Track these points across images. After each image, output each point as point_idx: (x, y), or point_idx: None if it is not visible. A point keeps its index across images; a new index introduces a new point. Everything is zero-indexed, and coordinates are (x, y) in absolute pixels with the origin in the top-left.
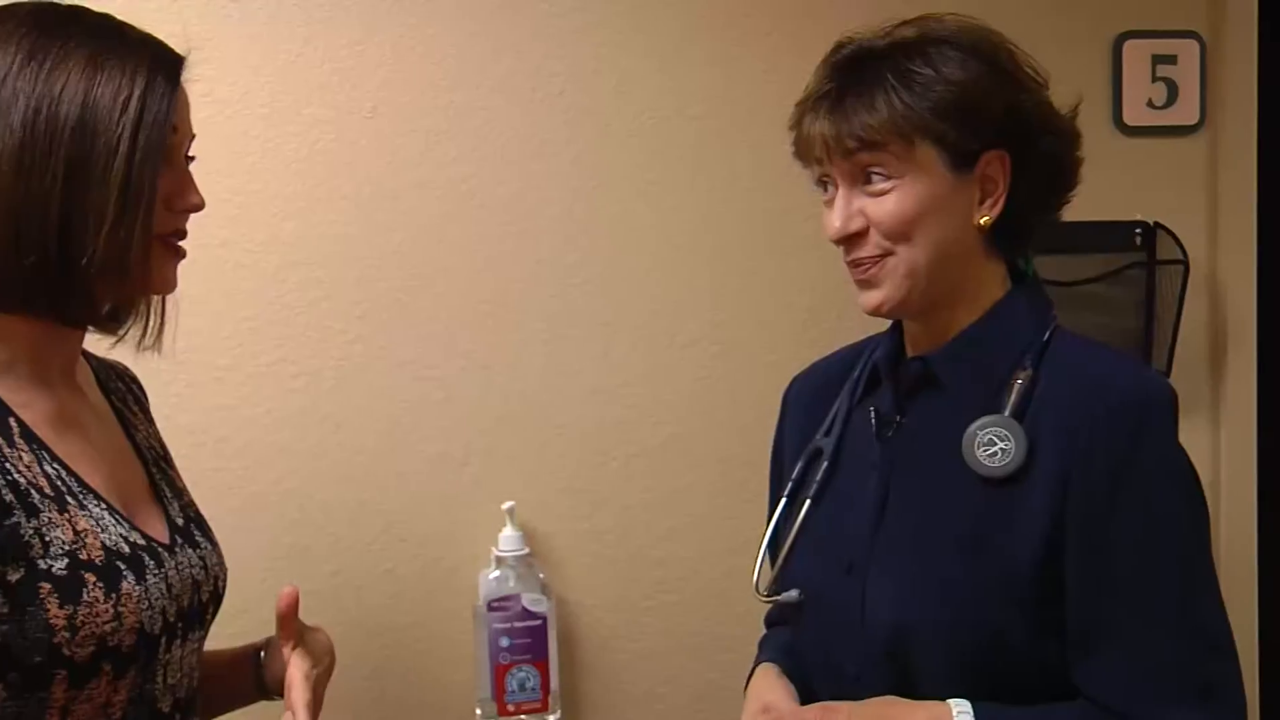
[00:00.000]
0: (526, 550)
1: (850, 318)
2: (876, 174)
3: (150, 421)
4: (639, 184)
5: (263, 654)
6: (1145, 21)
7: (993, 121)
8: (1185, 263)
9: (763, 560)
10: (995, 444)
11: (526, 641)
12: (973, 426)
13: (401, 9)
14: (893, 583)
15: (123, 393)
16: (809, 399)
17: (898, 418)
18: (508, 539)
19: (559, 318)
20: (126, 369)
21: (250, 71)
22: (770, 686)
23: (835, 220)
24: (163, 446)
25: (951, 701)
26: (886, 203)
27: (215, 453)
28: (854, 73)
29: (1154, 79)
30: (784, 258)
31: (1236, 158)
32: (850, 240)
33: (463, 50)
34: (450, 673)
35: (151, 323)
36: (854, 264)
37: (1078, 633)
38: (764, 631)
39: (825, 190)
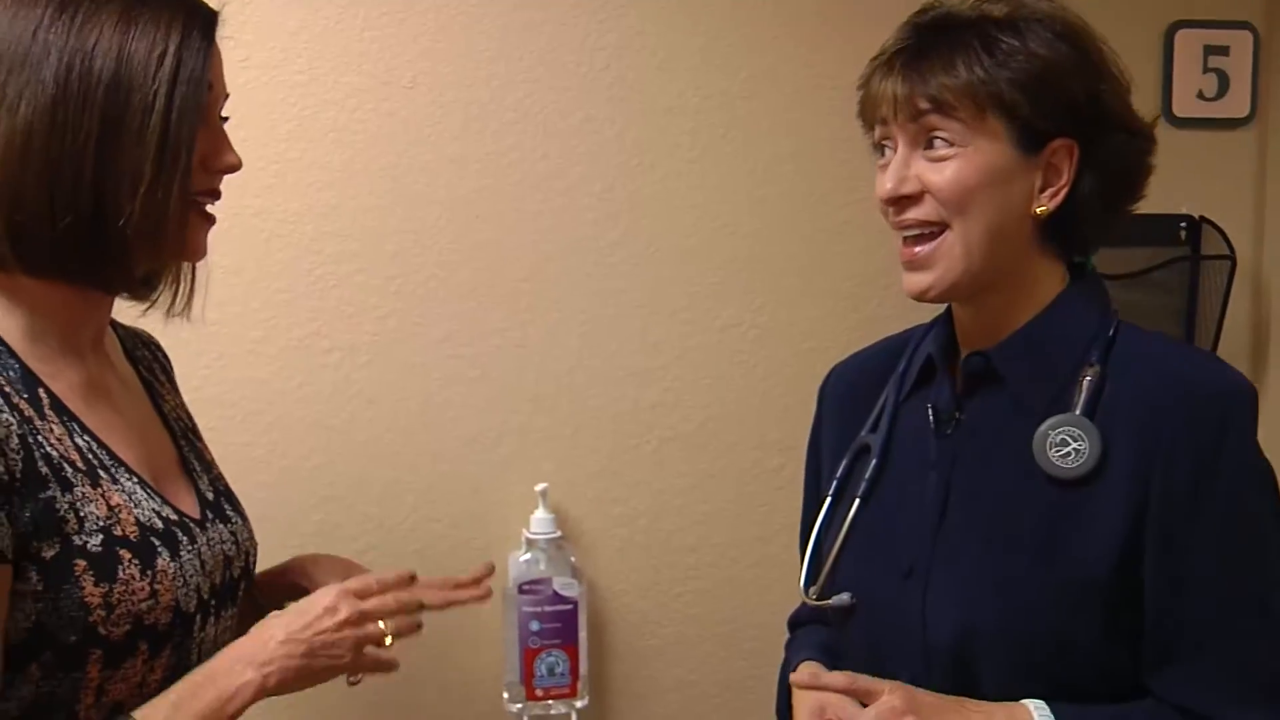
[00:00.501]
0: (558, 533)
1: (890, 304)
2: (940, 139)
3: (176, 391)
4: (680, 163)
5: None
6: (1198, 11)
7: (1069, 106)
8: (1232, 258)
9: (809, 562)
10: (1068, 444)
11: (557, 626)
12: (1044, 426)
13: None
14: (958, 586)
15: (149, 362)
16: (848, 392)
17: (956, 414)
18: (539, 521)
19: (597, 297)
20: (152, 337)
21: (288, 36)
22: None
23: (888, 180)
24: (190, 418)
25: (1027, 702)
26: (946, 169)
27: (245, 426)
28: (937, 33)
29: (1205, 70)
30: (826, 242)
31: None
32: (900, 203)
33: (506, 21)
34: (478, 655)
35: (181, 289)
36: (905, 236)
37: (1156, 634)
38: (788, 629)
39: (882, 154)
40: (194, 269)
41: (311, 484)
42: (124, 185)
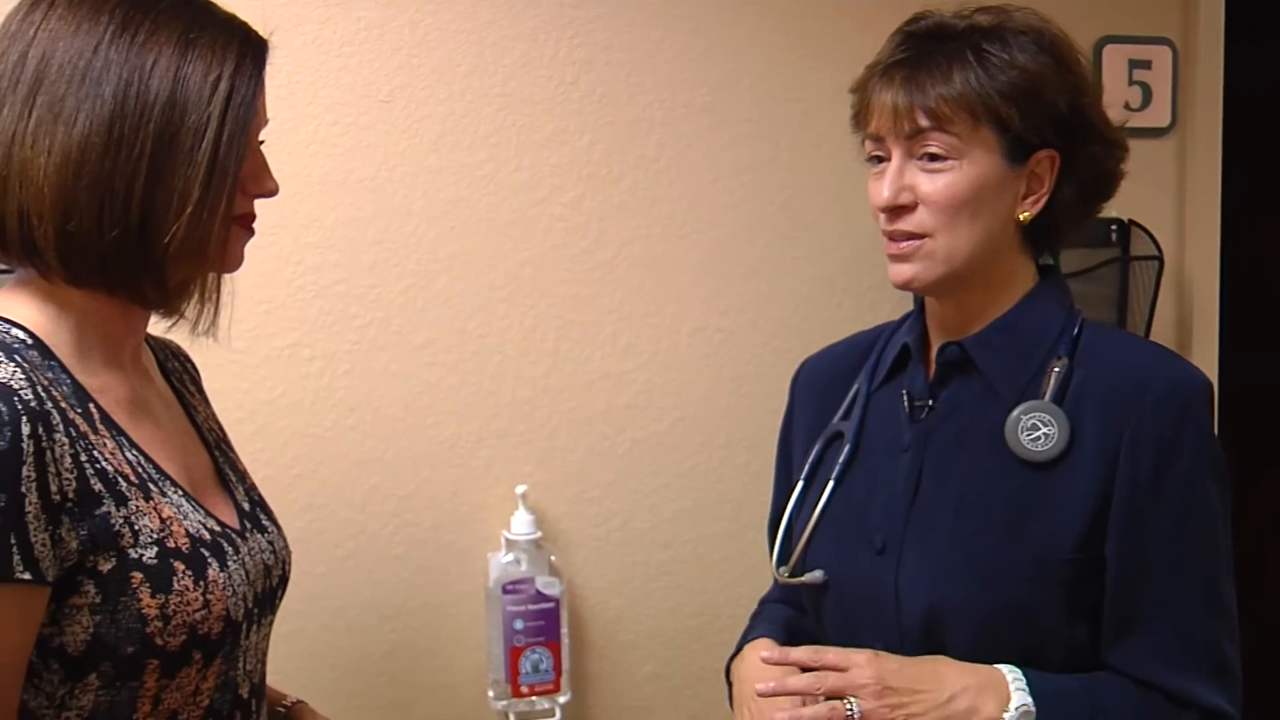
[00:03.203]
0: (539, 534)
1: (849, 305)
2: (936, 151)
3: (207, 402)
4: (649, 172)
5: (285, 708)
6: (1123, 27)
7: (1055, 117)
8: (1160, 258)
9: (781, 543)
10: (1039, 429)
11: (540, 624)
12: (1016, 411)
13: None
14: (929, 563)
15: (180, 373)
16: (820, 383)
17: (930, 401)
18: (520, 522)
19: (569, 303)
20: (181, 349)
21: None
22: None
23: (885, 190)
24: (221, 428)
25: (1002, 667)
26: (939, 180)
27: (230, 436)
28: (932, 44)
29: (1130, 82)
30: (786, 246)
31: (1203, 158)
32: (895, 211)
33: (480, 37)
34: (461, 655)
35: (207, 308)
36: (891, 237)
37: (1115, 609)
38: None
39: (875, 164)
40: (219, 286)
41: (295, 492)
42: (172, 203)
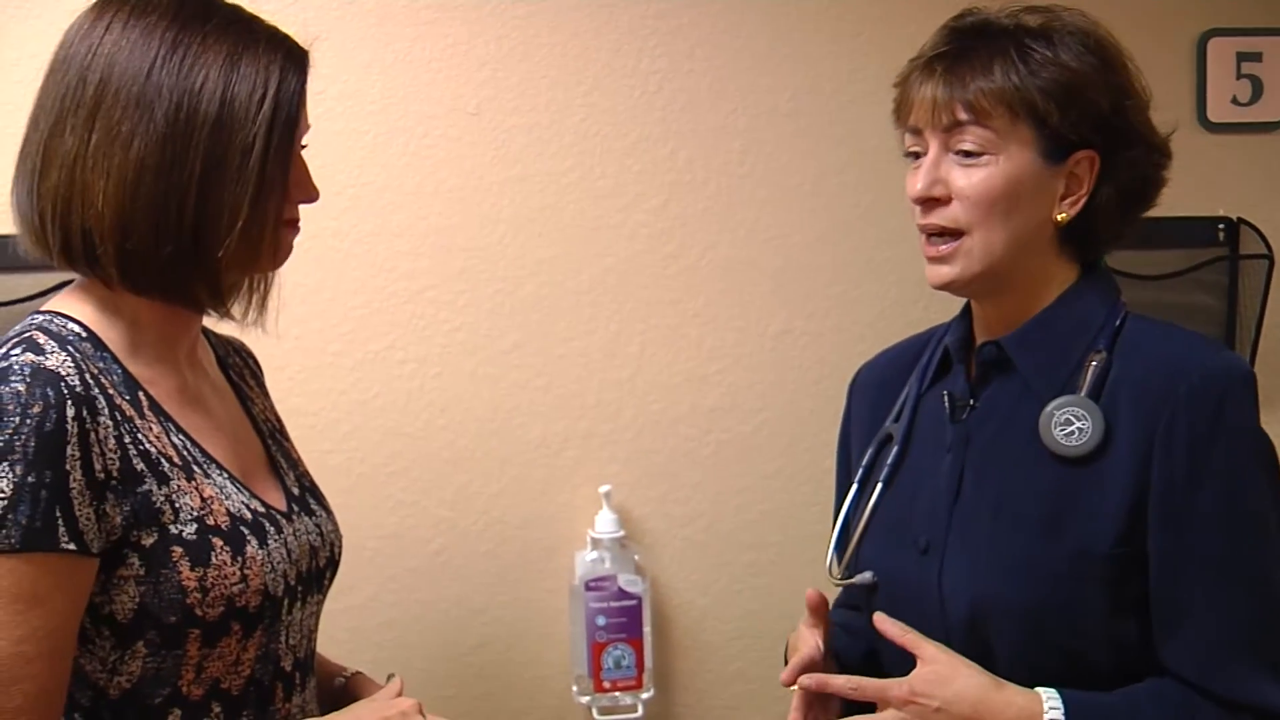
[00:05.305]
0: (622, 532)
1: (934, 307)
2: (971, 148)
3: (265, 395)
4: (732, 178)
5: (344, 679)
6: (1230, 19)
7: (1096, 117)
8: (1270, 257)
9: (835, 544)
10: (1073, 423)
11: (622, 620)
12: (1049, 406)
13: (504, 11)
14: (970, 561)
15: (240, 368)
16: (875, 387)
17: (971, 400)
18: (604, 521)
19: (654, 307)
20: (243, 345)
21: (362, 69)
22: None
23: (919, 181)
24: (278, 419)
25: (1040, 690)
26: (974, 175)
27: (326, 435)
28: (975, 39)
29: (1239, 76)
30: (873, 249)
31: None
32: (928, 204)
33: (564, 50)
34: (547, 650)
35: (254, 301)
36: (927, 236)
37: (1160, 607)
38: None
39: (913, 159)
40: (267, 283)
41: (388, 489)
42: (223, 219)
